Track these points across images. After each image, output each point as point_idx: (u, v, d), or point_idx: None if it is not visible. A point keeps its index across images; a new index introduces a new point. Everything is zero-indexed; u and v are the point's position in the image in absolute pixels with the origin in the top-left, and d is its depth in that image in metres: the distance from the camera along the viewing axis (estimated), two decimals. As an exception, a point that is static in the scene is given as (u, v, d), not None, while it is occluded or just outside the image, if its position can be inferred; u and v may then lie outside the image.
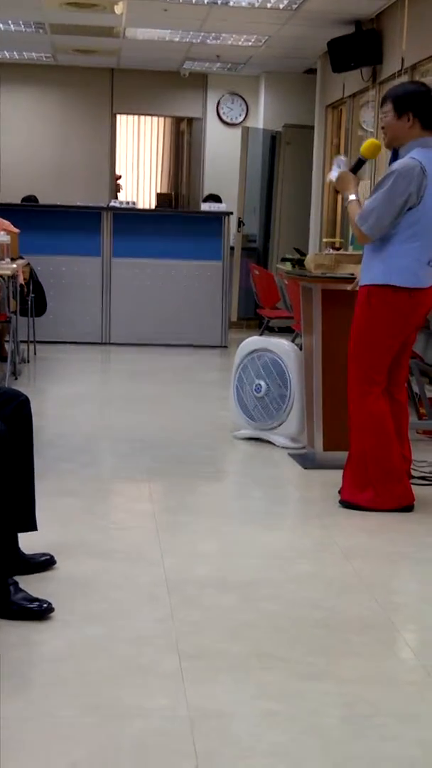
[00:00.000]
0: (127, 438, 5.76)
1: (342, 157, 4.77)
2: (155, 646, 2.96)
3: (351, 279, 5.11)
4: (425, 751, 2.45)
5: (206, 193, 12.33)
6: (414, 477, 5.00)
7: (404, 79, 8.08)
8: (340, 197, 10.36)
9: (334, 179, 4.53)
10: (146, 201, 15.37)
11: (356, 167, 4.51)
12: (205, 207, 9.88)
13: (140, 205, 13.63)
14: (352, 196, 4.40)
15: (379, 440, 4.41)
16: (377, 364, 4.39)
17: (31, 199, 10.87)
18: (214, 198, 11.24)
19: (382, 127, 4.40)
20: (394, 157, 4.37)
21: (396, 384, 4.55)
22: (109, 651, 2.92)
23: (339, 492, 4.51)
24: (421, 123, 4.28)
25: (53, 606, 3.12)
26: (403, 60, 8.02)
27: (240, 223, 11.35)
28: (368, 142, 4.49)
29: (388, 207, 4.20)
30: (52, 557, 3.55)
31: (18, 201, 10.65)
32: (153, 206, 14.26)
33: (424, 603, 3.48)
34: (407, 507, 4.45)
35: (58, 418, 6.20)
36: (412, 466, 5.03)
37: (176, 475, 4.99)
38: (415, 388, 6.49)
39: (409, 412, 4.67)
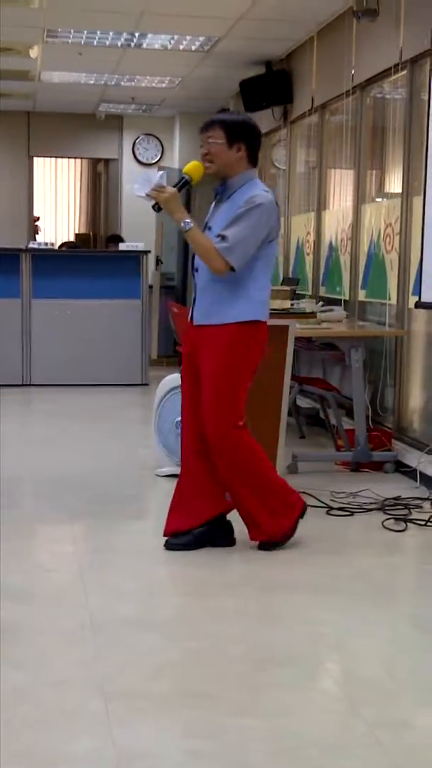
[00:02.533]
0: (49, 479, 5.73)
1: (149, 171, 4.45)
2: (80, 689, 2.95)
3: (275, 314, 5.19)
4: (349, 780, 2.48)
5: (122, 232, 12.42)
6: (333, 508, 5.07)
7: (315, 117, 8.26)
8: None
9: (141, 193, 4.18)
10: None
11: (181, 187, 4.22)
12: (122, 246, 9.92)
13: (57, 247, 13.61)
14: (190, 223, 4.13)
15: (264, 468, 4.34)
16: (242, 400, 4.26)
17: None
18: (118, 238, 11.28)
19: (205, 153, 4.22)
20: (222, 188, 4.25)
21: None
22: (33, 696, 2.90)
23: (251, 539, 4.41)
24: (249, 156, 4.22)
25: (-25, 653, 3.09)
26: (313, 99, 8.19)
27: (158, 261, 11.41)
28: (194, 164, 4.25)
29: (254, 239, 4.10)
30: (-27, 603, 3.51)
31: None
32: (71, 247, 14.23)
33: (346, 633, 3.52)
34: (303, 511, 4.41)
35: (-21, 461, 6.14)
36: (331, 499, 5.10)
37: (99, 514, 4.97)
38: (333, 420, 6.58)
39: None
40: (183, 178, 4.23)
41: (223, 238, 4.10)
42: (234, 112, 4.33)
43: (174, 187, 4.18)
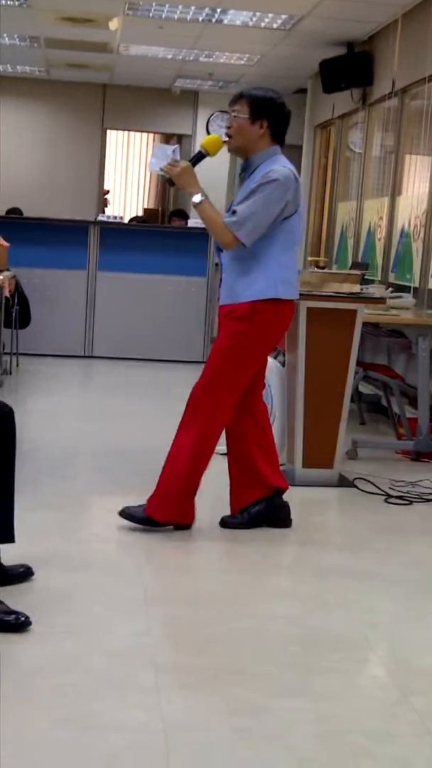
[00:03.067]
0: (106, 452, 5.76)
1: (164, 145, 4.40)
2: (131, 661, 2.96)
3: (336, 297, 5.15)
4: (397, 769, 2.46)
5: (189, 209, 12.39)
6: (391, 496, 5.03)
7: (395, 101, 8.15)
8: (326, 216, 10.42)
9: (157, 169, 4.14)
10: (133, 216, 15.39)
11: (196, 161, 4.16)
12: (191, 223, 9.91)
13: (127, 221, 13.65)
14: (199, 197, 4.07)
15: (203, 463, 4.23)
16: (243, 383, 4.20)
17: (15, 212, 10.86)
18: (181, 213, 11.24)
19: (228, 127, 4.16)
20: (246, 165, 4.18)
21: (258, 410, 4.36)
22: (85, 664, 2.92)
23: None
24: (272, 134, 4.13)
25: (31, 620, 3.11)
26: (393, 82, 8.08)
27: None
28: (212, 137, 4.18)
29: (266, 214, 4.00)
30: (29, 569, 3.54)
31: (2, 213, 10.65)
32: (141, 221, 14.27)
33: (398, 622, 3.49)
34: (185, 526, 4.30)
35: (38, 430, 6.19)
36: (390, 487, 5.06)
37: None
38: (395, 409, 6.52)
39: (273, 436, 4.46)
40: (199, 151, 4.18)
41: (234, 213, 4.05)
42: (267, 88, 4.22)
43: (189, 161, 4.14)
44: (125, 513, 4.25)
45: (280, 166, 4.09)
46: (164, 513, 4.21)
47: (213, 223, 4.09)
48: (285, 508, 4.41)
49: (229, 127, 4.17)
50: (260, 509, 4.35)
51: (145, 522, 4.21)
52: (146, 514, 4.22)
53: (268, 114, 4.11)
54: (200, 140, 13.28)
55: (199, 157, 4.19)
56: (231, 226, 4.02)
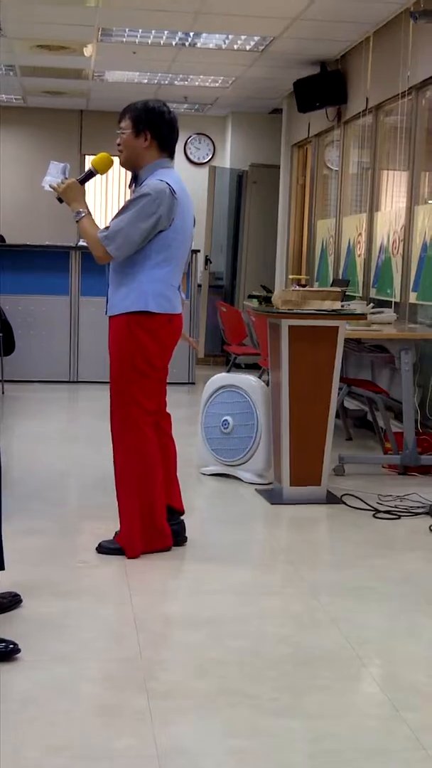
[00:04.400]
0: (94, 476, 5.75)
1: (57, 163, 4.49)
2: (122, 686, 2.95)
3: (317, 314, 5.16)
4: (392, 786, 2.45)
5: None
6: (379, 511, 5.04)
7: (369, 118, 8.21)
8: (305, 234, 10.46)
9: (47, 186, 4.25)
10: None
11: (85, 179, 4.26)
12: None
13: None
14: (82, 212, 4.18)
15: (152, 479, 4.28)
16: (149, 393, 4.26)
17: (-3, 239, 10.88)
18: None
19: (118, 144, 4.22)
20: (135, 179, 4.23)
21: (165, 416, 4.44)
22: (77, 691, 2.91)
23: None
24: (158, 144, 4.16)
25: (19, 647, 3.10)
26: (367, 100, 8.14)
27: (207, 260, 11.41)
28: (101, 156, 4.26)
29: (136, 228, 4.03)
30: (18, 596, 3.53)
31: (-15, 241, 10.67)
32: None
33: (390, 637, 3.49)
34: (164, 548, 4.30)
35: (26, 456, 6.18)
36: (378, 502, 5.06)
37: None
38: (381, 423, 6.53)
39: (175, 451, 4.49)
40: (89, 170, 4.27)
41: (107, 227, 4.10)
42: (149, 100, 4.31)
43: (77, 179, 4.23)
44: (102, 549, 4.27)
45: (156, 180, 4.10)
46: (132, 544, 4.22)
47: (89, 237, 4.16)
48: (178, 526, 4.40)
49: (119, 144, 4.22)
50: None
51: (121, 552, 4.22)
52: (111, 548, 4.25)
53: (149, 124, 4.15)
54: (178, 163, 13.33)
55: (89, 174, 4.29)
56: (102, 240, 4.09)
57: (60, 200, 4.27)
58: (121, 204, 4.67)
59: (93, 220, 4.20)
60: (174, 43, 8.75)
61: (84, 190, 4.23)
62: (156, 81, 10.62)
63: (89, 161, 4.26)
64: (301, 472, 5.16)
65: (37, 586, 3.74)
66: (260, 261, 11.72)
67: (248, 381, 5.75)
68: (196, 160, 12.91)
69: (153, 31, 8.40)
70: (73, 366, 9.54)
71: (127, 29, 8.39)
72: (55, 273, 9.48)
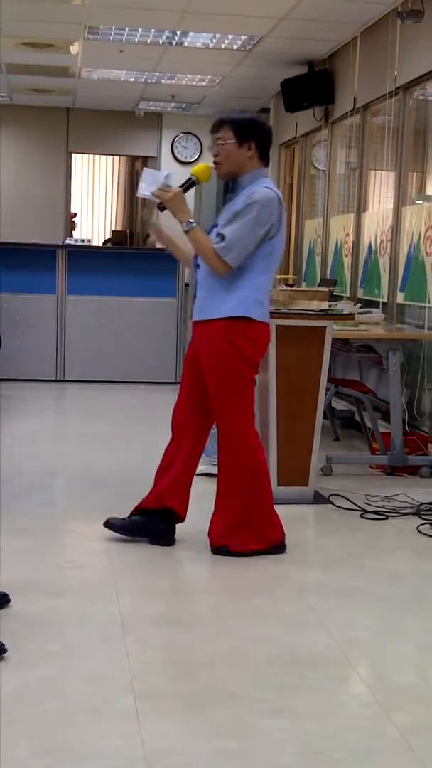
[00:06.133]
0: (81, 475, 5.73)
1: (154, 171, 4.44)
2: (110, 686, 2.94)
3: (305, 314, 5.16)
4: (381, 786, 2.44)
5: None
6: (367, 511, 5.03)
7: (357, 118, 8.21)
8: (293, 234, 10.46)
9: (147, 194, 4.17)
10: (101, 239, 15.39)
11: (187, 188, 4.21)
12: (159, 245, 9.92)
13: (95, 243, 13.63)
14: (192, 222, 4.13)
15: (260, 479, 4.29)
16: (246, 394, 4.22)
17: (-16, 237, 10.85)
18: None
19: (215, 154, 4.20)
20: (234, 186, 4.21)
21: (204, 429, 4.47)
22: (63, 691, 2.89)
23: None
24: (260, 154, 4.18)
25: (6, 647, 3.08)
26: (355, 100, 8.14)
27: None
28: (202, 166, 4.24)
29: (253, 237, 4.04)
30: (6, 595, 3.51)
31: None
32: (108, 244, 14.28)
33: (378, 638, 3.48)
34: (279, 546, 4.32)
35: (13, 455, 6.15)
36: (365, 502, 5.05)
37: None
38: (368, 424, 6.53)
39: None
40: (190, 178, 4.22)
41: (222, 237, 4.07)
42: (242, 110, 4.32)
43: (180, 187, 4.18)
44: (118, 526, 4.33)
45: (262, 187, 4.12)
46: (242, 543, 4.24)
47: (204, 250, 4.11)
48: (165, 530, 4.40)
49: (216, 155, 4.20)
50: (138, 520, 4.37)
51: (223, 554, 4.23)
52: (219, 543, 4.24)
53: (253, 135, 4.16)
54: (165, 162, 13.33)
55: (190, 184, 4.23)
56: (220, 251, 4.05)
57: (161, 208, 4.20)
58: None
59: (203, 230, 4.16)
60: (161, 41, 8.73)
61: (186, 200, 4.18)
62: (143, 80, 10.60)
63: (190, 170, 4.21)
64: (288, 472, 5.15)
65: (23, 585, 3.72)
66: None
67: (235, 380, 5.72)
68: (183, 159, 12.90)
69: (140, 30, 8.38)
70: (60, 365, 9.51)
71: (113, 27, 8.36)
72: (41, 271, 9.46)
